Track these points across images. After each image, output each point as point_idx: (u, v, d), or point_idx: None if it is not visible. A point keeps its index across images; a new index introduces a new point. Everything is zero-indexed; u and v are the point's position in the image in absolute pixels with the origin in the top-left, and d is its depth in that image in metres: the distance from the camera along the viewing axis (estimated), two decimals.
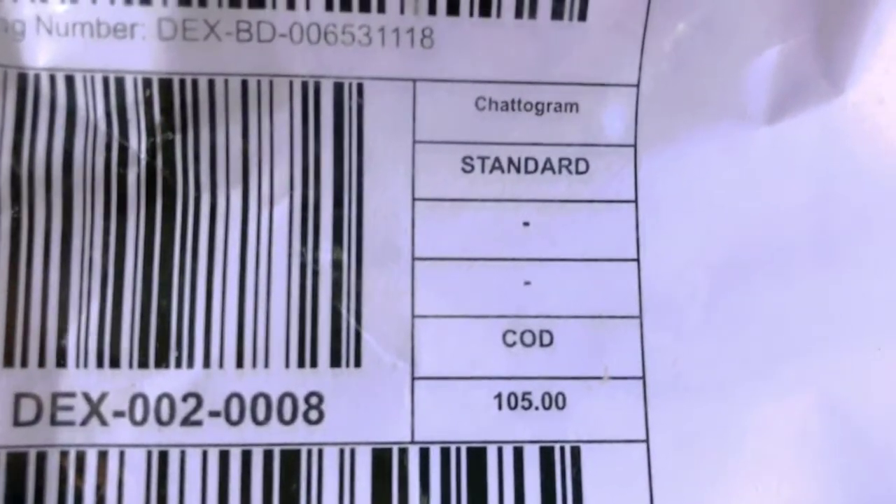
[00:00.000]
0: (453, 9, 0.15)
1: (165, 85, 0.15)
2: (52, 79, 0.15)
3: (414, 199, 0.16)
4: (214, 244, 0.15)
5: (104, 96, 0.15)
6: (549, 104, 0.16)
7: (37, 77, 0.15)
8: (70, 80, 0.15)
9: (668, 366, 0.15)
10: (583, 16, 0.15)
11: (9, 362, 0.15)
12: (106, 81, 0.15)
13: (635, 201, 0.16)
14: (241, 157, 0.15)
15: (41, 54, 0.15)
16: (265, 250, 0.15)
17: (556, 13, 0.15)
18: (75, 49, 0.15)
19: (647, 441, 0.15)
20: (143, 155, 0.15)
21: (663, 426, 0.15)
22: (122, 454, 0.15)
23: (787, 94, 0.16)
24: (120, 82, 0.15)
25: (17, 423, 0.15)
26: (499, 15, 0.15)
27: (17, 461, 0.14)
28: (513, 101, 0.16)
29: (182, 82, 0.15)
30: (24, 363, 0.15)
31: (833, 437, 0.15)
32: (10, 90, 0.15)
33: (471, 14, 0.15)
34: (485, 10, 0.15)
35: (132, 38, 0.15)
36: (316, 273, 0.15)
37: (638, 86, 0.16)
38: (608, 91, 0.16)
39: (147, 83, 0.15)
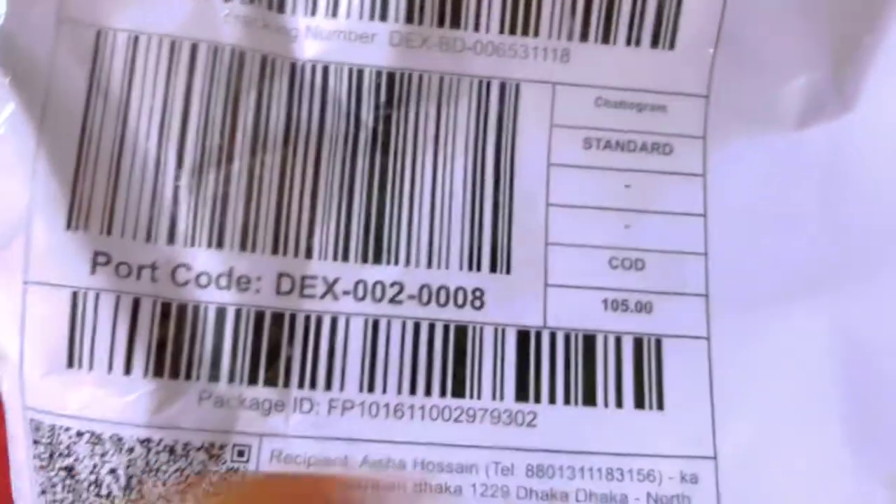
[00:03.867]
0: (584, 37, 0.22)
1: (390, 77, 0.22)
2: (313, 68, 0.22)
3: (549, 164, 0.22)
4: (414, 185, 0.22)
5: (348, 82, 0.22)
6: (645, 104, 0.23)
7: (303, 66, 0.22)
8: (325, 70, 0.22)
9: (723, 287, 0.22)
10: (672, 45, 0.22)
11: (275, 251, 0.21)
12: (350, 72, 0.22)
13: (703, 175, 0.23)
14: (435, 128, 0.22)
15: (307, 50, 0.22)
16: (448, 191, 0.22)
17: (654, 43, 0.22)
18: (331, 48, 0.22)
19: (707, 338, 0.22)
20: (371, 123, 0.22)
21: (718, 328, 0.22)
22: (347, 320, 0.21)
23: (810, 109, 0.23)
24: (360, 73, 0.22)
25: (278, 292, 0.21)
26: (615, 42, 0.22)
27: (277, 319, 0.21)
28: (621, 102, 0.22)
29: (401, 76, 0.22)
30: (284, 252, 0.21)
31: (840, 354, 0.22)
32: (285, 73, 0.22)
33: (595, 41, 0.22)
34: (605, 39, 0.22)
35: (372, 43, 0.22)
36: (482, 209, 0.22)
37: (707, 96, 0.23)
38: (686, 98, 0.23)
39: (378, 74, 0.22)
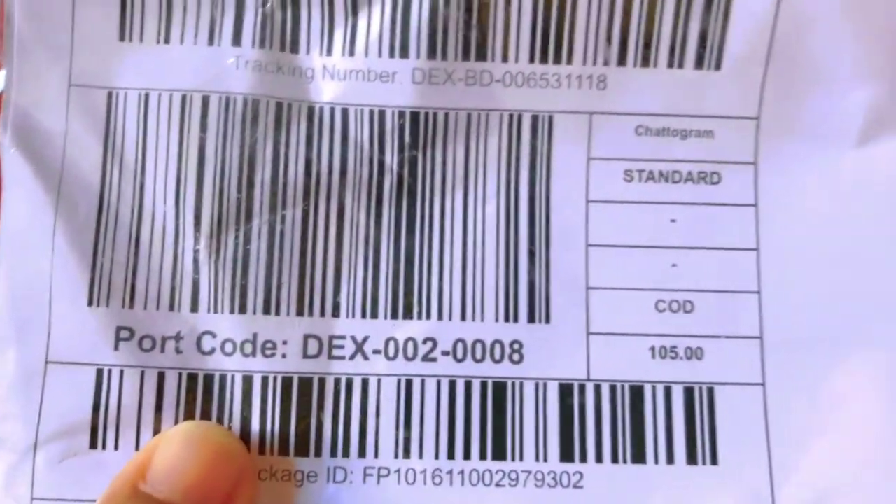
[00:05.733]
0: (622, 61, 0.21)
1: (414, 116, 0.21)
2: (332, 111, 0.21)
3: (588, 201, 0.21)
4: (444, 232, 0.21)
5: (370, 124, 0.21)
6: (691, 131, 0.21)
7: (321, 109, 0.21)
8: (345, 112, 0.21)
9: (779, 329, 0.20)
10: (718, 66, 0.21)
11: (300, 312, 0.20)
12: (371, 113, 0.21)
13: (755, 205, 0.21)
14: (464, 169, 0.21)
15: (325, 93, 0.21)
16: (480, 237, 0.21)
17: (699, 64, 0.21)
18: (350, 89, 0.21)
19: (763, 384, 0.20)
20: (395, 167, 0.21)
21: (775, 374, 0.20)
22: (378, 381, 0.20)
23: (871, 125, 0.21)
24: (382, 114, 0.20)
25: (305, 356, 0.20)
26: (655, 65, 0.21)
27: (305, 385, 0.20)
28: (664, 129, 0.21)
29: (426, 115, 0.21)
30: (310, 313, 0.20)
31: None
32: (303, 119, 0.21)
33: (634, 65, 0.21)
34: (645, 62, 0.21)
35: (392, 82, 0.20)
36: (517, 255, 0.21)
37: (758, 118, 0.21)
38: (735, 122, 0.21)
39: (401, 115, 0.21)
